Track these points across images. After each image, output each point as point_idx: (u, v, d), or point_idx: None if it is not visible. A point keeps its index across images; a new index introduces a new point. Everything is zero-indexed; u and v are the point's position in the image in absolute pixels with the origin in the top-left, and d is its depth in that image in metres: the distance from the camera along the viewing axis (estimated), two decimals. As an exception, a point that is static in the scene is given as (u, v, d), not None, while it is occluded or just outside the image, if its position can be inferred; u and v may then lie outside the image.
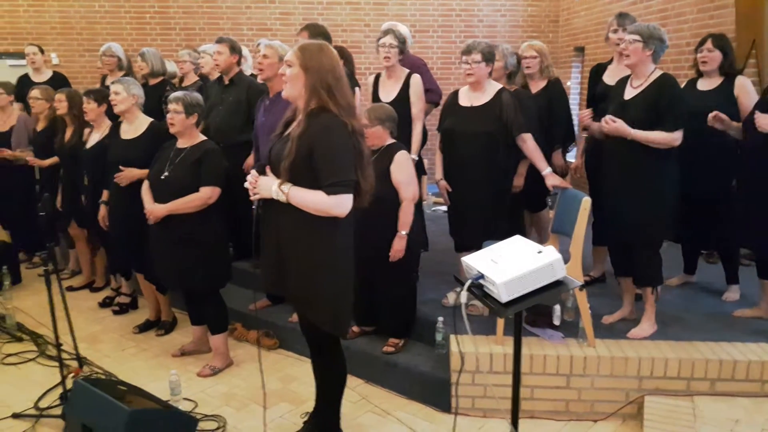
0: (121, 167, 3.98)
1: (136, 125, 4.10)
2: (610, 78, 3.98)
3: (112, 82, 4.12)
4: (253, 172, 2.56)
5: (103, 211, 4.31)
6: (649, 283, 3.45)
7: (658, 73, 3.32)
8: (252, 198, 2.56)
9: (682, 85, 3.89)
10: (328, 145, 2.41)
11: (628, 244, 3.47)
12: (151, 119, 4.14)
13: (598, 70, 4.21)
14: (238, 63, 4.56)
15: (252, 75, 4.81)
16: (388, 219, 3.44)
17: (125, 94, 4.01)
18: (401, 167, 3.45)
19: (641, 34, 3.26)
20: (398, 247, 3.45)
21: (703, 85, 3.83)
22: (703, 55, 3.76)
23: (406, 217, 3.45)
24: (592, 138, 3.94)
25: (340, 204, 2.42)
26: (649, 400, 3.22)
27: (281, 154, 2.48)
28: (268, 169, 2.55)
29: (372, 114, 3.48)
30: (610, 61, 4.15)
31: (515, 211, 4.00)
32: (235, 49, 4.44)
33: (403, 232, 3.44)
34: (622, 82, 3.49)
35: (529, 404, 3.29)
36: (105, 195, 4.31)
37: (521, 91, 4.09)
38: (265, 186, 2.50)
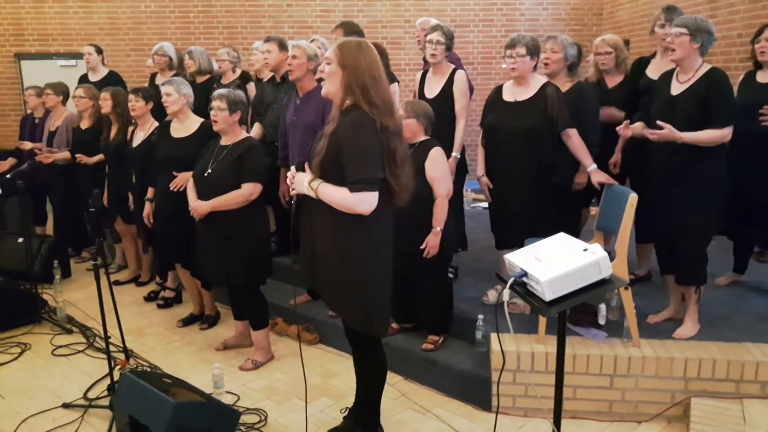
0: (174, 173, 4.05)
1: (187, 124, 4.17)
2: (653, 72, 3.88)
3: (162, 84, 4.19)
4: (293, 168, 2.60)
5: (148, 208, 4.40)
6: (692, 281, 3.36)
7: (706, 67, 3.21)
8: (290, 193, 2.60)
9: (740, 78, 3.77)
10: (354, 143, 2.42)
11: (673, 242, 3.38)
12: (202, 119, 4.18)
13: (641, 63, 4.09)
14: None
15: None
16: (423, 215, 3.43)
17: (176, 95, 4.07)
18: (436, 163, 3.44)
19: (688, 26, 3.15)
20: (433, 243, 3.43)
21: (763, 77, 3.68)
22: (761, 45, 3.61)
23: (440, 213, 3.44)
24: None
25: (363, 201, 2.42)
26: (695, 402, 3.13)
27: (315, 150, 2.51)
28: (306, 166, 2.58)
29: (409, 107, 3.50)
30: (653, 55, 4.04)
31: (574, 208, 3.87)
32: (283, 47, 4.48)
33: (438, 229, 3.43)
34: (667, 77, 3.39)
35: (571, 404, 3.24)
36: (150, 192, 4.40)
37: (584, 83, 3.95)
38: (299, 182, 2.54)
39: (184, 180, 3.98)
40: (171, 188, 4.04)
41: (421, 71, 4.27)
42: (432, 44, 3.95)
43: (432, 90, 4.05)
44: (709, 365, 3.14)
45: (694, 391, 3.17)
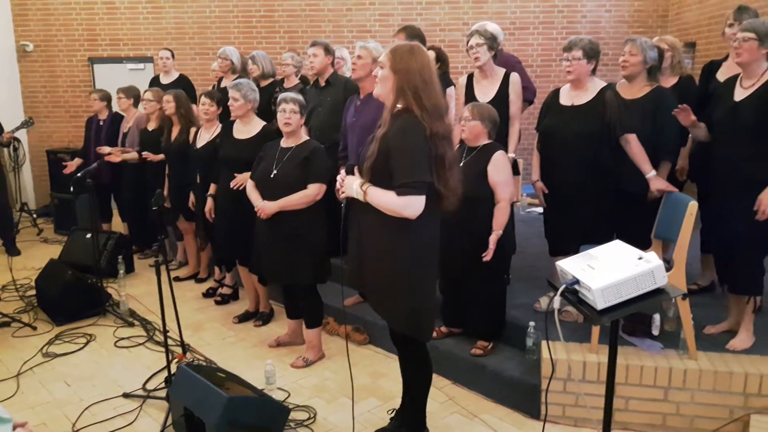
0: (235, 174, 4.17)
1: (249, 127, 4.29)
2: (724, 76, 3.73)
3: (230, 87, 4.28)
4: (342, 172, 2.64)
5: (210, 203, 4.54)
6: (746, 291, 3.24)
7: None
8: (339, 197, 2.64)
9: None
10: (403, 147, 2.44)
11: (731, 252, 3.25)
12: (264, 122, 4.31)
13: (711, 67, 3.95)
14: (332, 64, 4.66)
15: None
16: (481, 219, 3.42)
17: (242, 101, 4.18)
18: (499, 168, 3.43)
19: (757, 31, 3.04)
20: (494, 246, 3.42)
21: None
22: None
23: (502, 217, 3.42)
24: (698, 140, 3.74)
25: (409, 205, 2.43)
26: (756, 420, 3.01)
27: (366, 154, 2.54)
28: (356, 169, 2.61)
29: (475, 109, 3.51)
30: (725, 58, 3.89)
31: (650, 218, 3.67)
32: (329, 51, 4.56)
33: (500, 232, 3.41)
34: (731, 81, 3.27)
35: (623, 416, 3.17)
36: (212, 188, 4.54)
37: (663, 88, 3.75)
38: (349, 185, 2.58)
39: (243, 180, 4.09)
40: (231, 186, 4.16)
41: (465, 76, 4.23)
42: (473, 49, 3.95)
43: (486, 94, 4.02)
44: (772, 382, 3.01)
45: (755, 408, 3.04)
